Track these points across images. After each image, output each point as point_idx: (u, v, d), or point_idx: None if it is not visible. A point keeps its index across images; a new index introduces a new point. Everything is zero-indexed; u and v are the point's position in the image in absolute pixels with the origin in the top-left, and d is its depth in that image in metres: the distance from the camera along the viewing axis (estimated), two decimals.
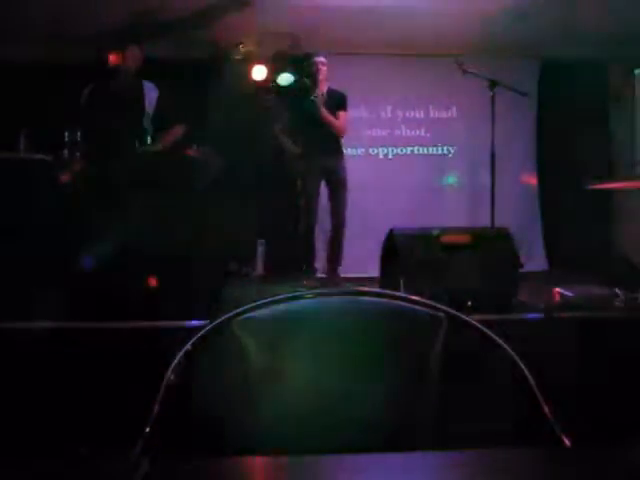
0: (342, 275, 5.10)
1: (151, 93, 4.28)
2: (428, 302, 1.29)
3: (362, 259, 5.41)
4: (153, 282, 3.52)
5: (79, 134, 3.73)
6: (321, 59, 4.90)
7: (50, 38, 5.49)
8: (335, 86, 5.05)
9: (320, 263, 5.22)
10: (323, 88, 4.94)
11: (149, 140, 4.12)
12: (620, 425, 2.50)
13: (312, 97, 4.82)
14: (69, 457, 1.01)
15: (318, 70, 4.88)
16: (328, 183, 4.95)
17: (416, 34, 5.83)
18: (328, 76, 4.98)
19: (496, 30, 5.66)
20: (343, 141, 5.10)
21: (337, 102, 4.93)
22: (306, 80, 4.89)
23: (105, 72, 4.28)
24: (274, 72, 6.00)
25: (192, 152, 3.93)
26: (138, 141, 4.01)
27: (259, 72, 6.05)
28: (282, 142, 5.07)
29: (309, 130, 4.88)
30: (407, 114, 6.65)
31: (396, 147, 6.63)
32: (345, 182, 4.94)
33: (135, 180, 3.70)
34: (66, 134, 3.71)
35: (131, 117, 4.14)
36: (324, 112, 4.82)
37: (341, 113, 4.92)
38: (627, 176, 5.81)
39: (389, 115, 6.63)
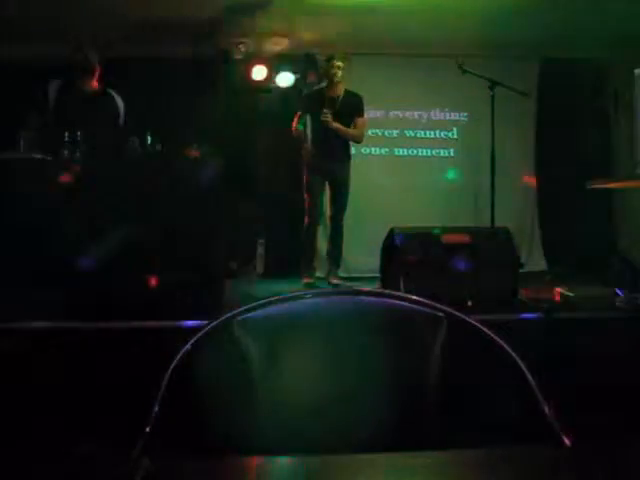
0: (342, 275, 5.11)
1: (118, 101, 4.31)
2: (428, 302, 1.29)
3: (362, 259, 5.42)
4: (153, 282, 3.52)
5: (79, 134, 3.72)
6: (338, 63, 4.90)
7: (50, 37, 5.48)
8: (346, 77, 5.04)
9: (319, 263, 5.23)
10: (340, 91, 4.96)
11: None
12: (620, 425, 2.49)
13: (322, 117, 4.78)
14: (69, 457, 1.01)
15: (334, 73, 4.89)
16: (331, 185, 4.98)
17: (416, 34, 5.83)
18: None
19: (496, 30, 5.66)
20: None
21: (354, 107, 4.92)
22: (323, 84, 4.92)
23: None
24: (274, 72, 6.02)
25: (192, 152, 3.93)
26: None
27: (259, 72, 6.05)
28: (299, 137, 5.03)
29: (318, 132, 4.90)
30: (407, 114, 6.65)
31: (396, 147, 6.63)
32: (348, 186, 4.98)
33: (135, 181, 3.70)
34: (66, 134, 3.71)
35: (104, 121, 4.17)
36: (338, 128, 4.82)
37: (359, 119, 4.92)
38: (627, 176, 5.81)
39: (389, 115, 6.63)
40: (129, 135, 3.95)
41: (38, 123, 3.90)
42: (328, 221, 5.08)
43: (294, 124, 4.97)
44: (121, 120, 4.31)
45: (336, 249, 5.00)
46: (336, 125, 4.81)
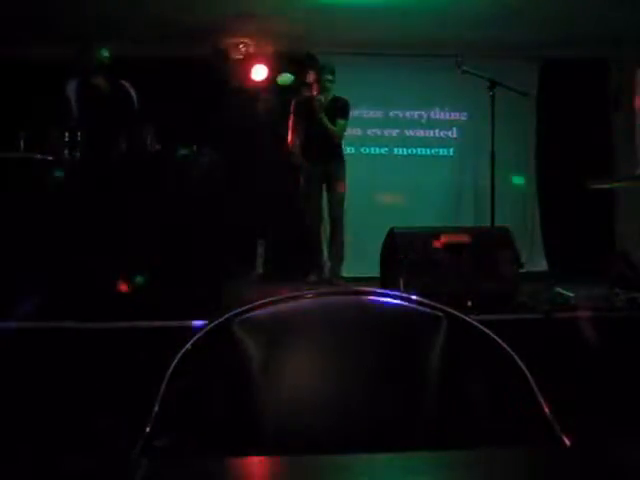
0: (342, 275, 5.13)
1: (132, 92, 4.31)
2: (428, 302, 1.29)
3: (362, 259, 5.42)
4: (153, 282, 3.52)
5: (79, 134, 3.72)
6: (328, 77, 5.00)
7: (51, 37, 5.49)
8: (335, 85, 5.10)
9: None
10: (328, 97, 5.05)
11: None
12: (620, 425, 2.50)
13: (316, 99, 4.95)
14: (69, 457, 1.01)
15: (324, 86, 5.00)
16: (328, 187, 5.05)
17: (416, 34, 5.83)
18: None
19: (496, 30, 5.66)
20: (344, 140, 5.16)
21: (338, 109, 5.04)
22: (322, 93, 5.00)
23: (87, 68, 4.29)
24: (274, 72, 6.02)
25: (191, 152, 3.93)
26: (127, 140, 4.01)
27: (259, 72, 6.05)
28: (294, 149, 5.12)
29: (312, 135, 4.97)
30: (407, 114, 6.64)
31: (396, 147, 6.63)
32: (344, 188, 5.04)
33: (135, 179, 3.70)
34: (66, 134, 3.71)
35: (119, 115, 4.17)
36: (325, 121, 4.95)
37: (340, 120, 5.03)
38: (627, 176, 5.81)
39: (389, 115, 6.63)
40: (144, 123, 3.98)
41: (62, 124, 3.89)
42: (328, 222, 5.13)
43: (289, 136, 5.06)
44: (135, 108, 4.31)
45: (337, 249, 5.05)
46: (324, 118, 4.92)
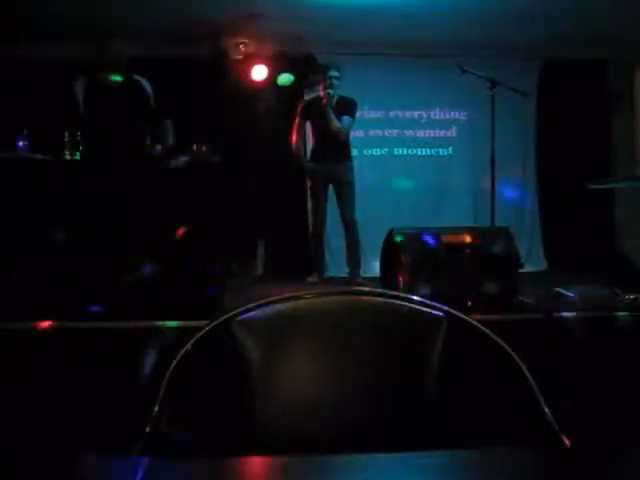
0: (342, 275, 5.15)
1: (147, 87, 4.27)
2: (428, 302, 1.29)
3: (362, 259, 5.43)
4: (154, 281, 3.52)
5: (79, 134, 3.72)
6: (335, 74, 4.99)
7: (51, 36, 5.49)
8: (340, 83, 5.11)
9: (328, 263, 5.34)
10: (335, 96, 5.06)
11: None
12: (620, 425, 2.50)
13: (328, 93, 4.96)
14: (69, 457, 1.01)
15: (331, 83, 5.00)
16: (335, 188, 5.05)
17: (416, 34, 5.83)
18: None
19: (496, 30, 5.66)
20: None
21: (344, 108, 5.04)
22: (330, 92, 5.00)
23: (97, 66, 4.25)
24: (274, 72, 6.02)
25: (191, 152, 3.93)
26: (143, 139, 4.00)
27: (259, 72, 6.05)
28: (298, 152, 5.14)
29: (319, 136, 4.99)
30: (407, 114, 6.64)
31: (396, 147, 6.63)
32: (352, 185, 5.05)
33: (138, 180, 3.71)
34: (66, 134, 3.71)
35: (135, 114, 4.13)
36: (332, 117, 4.94)
37: (345, 118, 5.02)
38: (627, 176, 5.81)
39: (389, 115, 6.63)
40: (162, 118, 3.95)
41: (69, 124, 3.87)
42: (341, 222, 5.14)
43: (294, 137, 5.07)
44: (152, 104, 4.26)
45: (353, 251, 5.02)
46: (332, 114, 4.92)
